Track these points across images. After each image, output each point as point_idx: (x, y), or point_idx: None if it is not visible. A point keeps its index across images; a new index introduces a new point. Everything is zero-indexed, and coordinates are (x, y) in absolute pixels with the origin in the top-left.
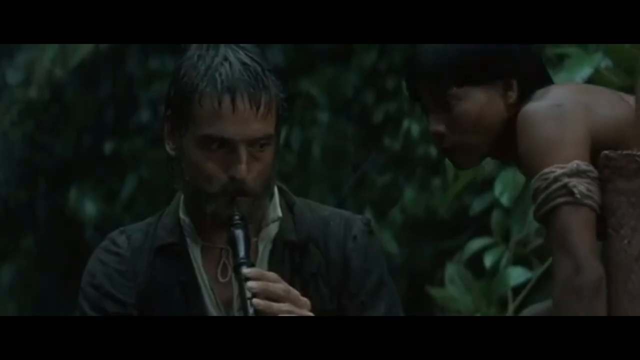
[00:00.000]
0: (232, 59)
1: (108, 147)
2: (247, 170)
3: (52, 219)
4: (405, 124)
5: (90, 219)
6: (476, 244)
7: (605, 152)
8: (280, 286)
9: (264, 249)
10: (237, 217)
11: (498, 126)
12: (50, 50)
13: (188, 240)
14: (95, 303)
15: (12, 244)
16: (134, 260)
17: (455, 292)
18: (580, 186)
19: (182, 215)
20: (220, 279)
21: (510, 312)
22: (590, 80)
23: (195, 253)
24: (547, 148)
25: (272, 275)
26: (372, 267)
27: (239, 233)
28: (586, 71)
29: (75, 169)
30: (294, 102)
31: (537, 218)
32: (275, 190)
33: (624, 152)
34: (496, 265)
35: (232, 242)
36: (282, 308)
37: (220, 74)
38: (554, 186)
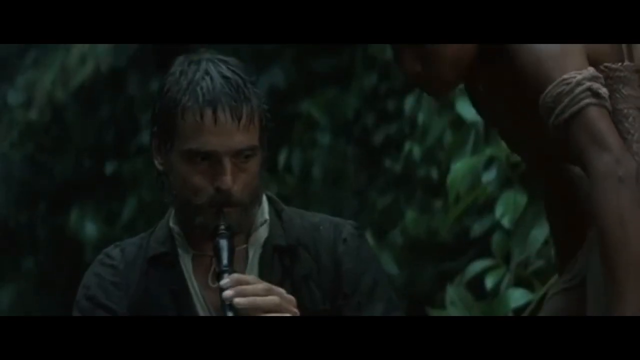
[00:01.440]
0: (213, 72)
1: (109, 168)
2: (233, 181)
3: (52, 240)
4: (407, 146)
5: (91, 240)
6: (477, 265)
7: (606, 64)
8: (261, 286)
9: (254, 254)
10: (222, 227)
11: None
12: (50, 72)
13: (179, 250)
14: (89, 314)
15: (12, 265)
16: (128, 272)
17: (455, 314)
18: (602, 88)
19: (172, 224)
20: (211, 285)
21: None
22: None
23: (186, 262)
24: (560, 56)
25: (251, 278)
26: (365, 269)
27: (223, 242)
28: None
29: (75, 190)
30: (295, 123)
31: (558, 122)
32: (264, 198)
33: (624, 63)
34: (497, 287)
35: (217, 251)
36: (268, 301)
37: (202, 88)
38: (579, 89)
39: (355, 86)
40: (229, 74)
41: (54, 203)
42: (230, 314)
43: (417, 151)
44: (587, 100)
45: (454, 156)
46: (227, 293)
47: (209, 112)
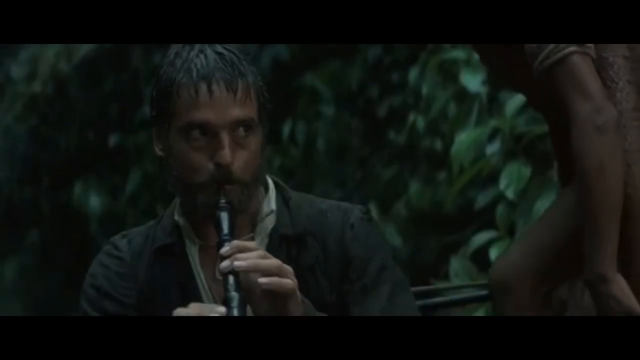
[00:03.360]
0: (207, 51)
1: (112, 141)
2: (232, 156)
3: (56, 215)
4: (411, 117)
5: (95, 214)
6: (481, 237)
7: None
8: (261, 252)
9: (260, 243)
10: (223, 201)
11: None
12: (54, 45)
13: (186, 241)
14: (96, 304)
15: (16, 240)
16: (134, 263)
17: (460, 285)
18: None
19: (176, 217)
20: (218, 277)
21: None
22: None
23: (193, 253)
24: None
25: (251, 244)
26: (372, 254)
27: (224, 215)
28: None
29: (79, 163)
30: (299, 95)
31: (542, 68)
32: (272, 185)
33: None
34: None
35: (217, 223)
36: (268, 263)
37: (196, 65)
38: None
39: (359, 58)
40: (223, 51)
41: (58, 176)
42: (231, 280)
43: (421, 123)
44: (571, 48)
45: (457, 128)
46: (226, 262)
47: (203, 87)
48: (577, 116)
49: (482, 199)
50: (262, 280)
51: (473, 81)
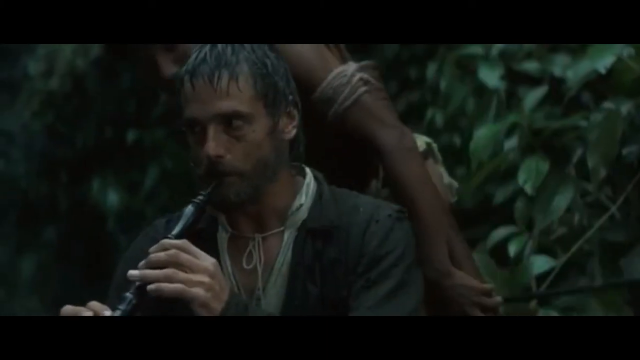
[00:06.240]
0: (206, 47)
1: (130, 137)
2: (224, 148)
3: (73, 211)
4: (429, 113)
5: (112, 210)
6: (500, 233)
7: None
8: (161, 254)
9: (289, 236)
10: (200, 196)
11: None
12: None
13: (219, 228)
14: (122, 282)
15: (33, 236)
16: None
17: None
18: (371, 77)
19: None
20: (245, 267)
21: (534, 300)
22: (612, 68)
23: (223, 240)
24: (321, 56)
25: (167, 247)
26: (388, 251)
27: (189, 211)
28: (608, 59)
29: (96, 160)
30: None
31: (340, 111)
32: (310, 178)
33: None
34: (520, 254)
35: (180, 216)
36: (167, 290)
37: (191, 59)
38: (354, 79)
39: (377, 54)
40: (219, 45)
41: (75, 173)
42: (135, 284)
43: (439, 118)
44: (364, 88)
45: (476, 123)
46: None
47: (187, 81)
48: (386, 145)
49: (500, 194)
50: (150, 287)
51: (491, 76)
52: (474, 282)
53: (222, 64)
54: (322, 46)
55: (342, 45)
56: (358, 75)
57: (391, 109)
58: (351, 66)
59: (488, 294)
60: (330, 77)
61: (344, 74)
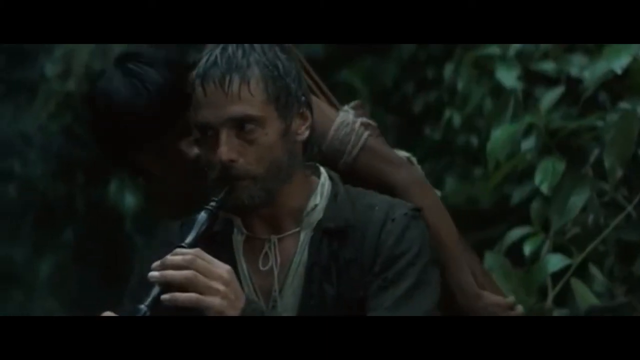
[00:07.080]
0: (217, 49)
1: None
2: (237, 153)
3: (91, 212)
4: (446, 113)
5: (130, 212)
6: (516, 233)
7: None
8: (178, 258)
9: (304, 237)
10: (212, 202)
11: None
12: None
13: (235, 230)
14: (139, 283)
15: (50, 237)
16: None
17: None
18: (367, 119)
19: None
20: (261, 268)
21: (550, 300)
22: (628, 68)
23: (238, 243)
24: (316, 114)
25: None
26: (404, 250)
27: (202, 217)
28: (625, 59)
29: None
30: (334, 92)
31: (350, 160)
32: (325, 178)
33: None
34: (535, 254)
35: (192, 223)
36: (180, 300)
37: (202, 63)
38: (357, 126)
39: (394, 54)
40: (230, 47)
41: (93, 174)
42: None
43: (456, 119)
44: (367, 133)
45: (493, 124)
46: (154, 273)
47: (199, 85)
48: (399, 182)
49: (517, 195)
50: (164, 297)
51: (508, 77)
52: (500, 300)
53: (233, 68)
54: (315, 99)
55: (326, 89)
56: (359, 121)
57: (387, 144)
58: (349, 113)
59: (512, 307)
60: (333, 130)
61: (346, 122)
